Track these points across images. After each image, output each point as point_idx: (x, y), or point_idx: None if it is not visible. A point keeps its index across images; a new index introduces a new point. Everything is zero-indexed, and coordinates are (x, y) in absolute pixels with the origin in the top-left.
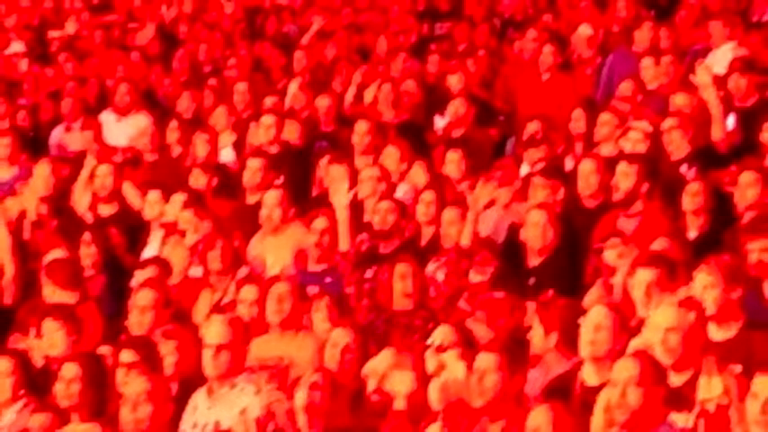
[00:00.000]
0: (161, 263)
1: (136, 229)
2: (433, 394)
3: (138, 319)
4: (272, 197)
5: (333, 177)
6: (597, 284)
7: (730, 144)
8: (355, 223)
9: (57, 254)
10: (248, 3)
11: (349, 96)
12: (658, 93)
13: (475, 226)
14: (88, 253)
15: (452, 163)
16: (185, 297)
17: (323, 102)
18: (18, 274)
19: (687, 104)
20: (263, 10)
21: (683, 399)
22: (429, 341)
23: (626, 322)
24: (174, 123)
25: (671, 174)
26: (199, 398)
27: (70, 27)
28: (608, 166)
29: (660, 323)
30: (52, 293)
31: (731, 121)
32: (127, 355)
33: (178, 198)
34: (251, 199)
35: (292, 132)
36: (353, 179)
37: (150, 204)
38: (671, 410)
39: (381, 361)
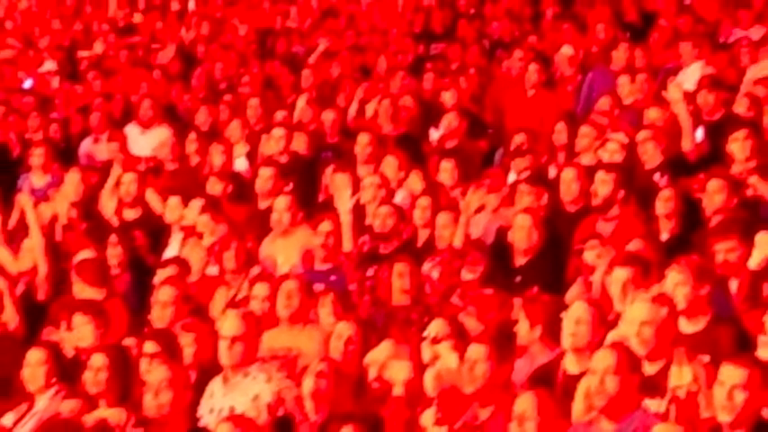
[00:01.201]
0: (181, 262)
1: (158, 231)
2: (429, 382)
3: (159, 314)
4: (281, 202)
5: (337, 184)
6: (578, 282)
7: (699, 154)
8: (357, 226)
9: (86, 254)
10: (260, 25)
11: (352, 111)
12: (633, 107)
13: (466, 229)
14: (114, 253)
15: (446, 171)
16: (203, 293)
17: (328, 116)
18: (50, 273)
19: (660, 118)
20: (274, 32)
21: (656, 386)
22: (425, 333)
23: (604, 316)
24: (192, 135)
25: (645, 181)
26: (215, 385)
27: (98, 48)
28: (588, 174)
29: (635, 317)
30: (81, 290)
31: (700, 133)
32: (150, 346)
33: (196, 203)
34: (262, 204)
35: (300, 143)
36: (356, 186)
37: (171, 209)
38: (645, 397)
39: (381, 351)
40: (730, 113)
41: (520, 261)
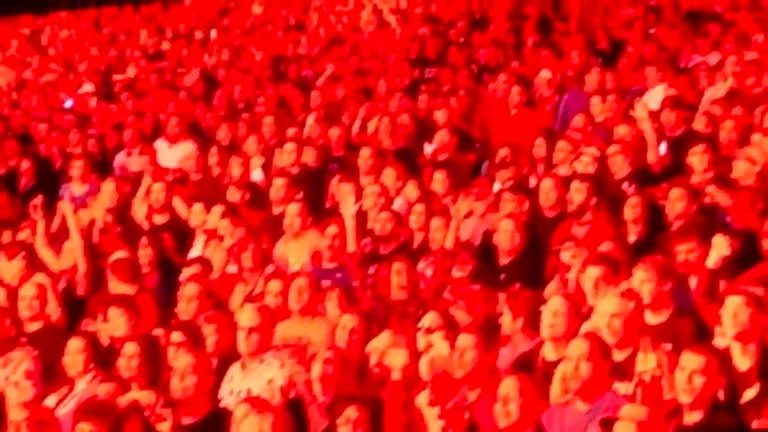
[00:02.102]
0: (204, 261)
1: (183, 234)
2: (423, 367)
3: (185, 307)
4: (293, 209)
5: (342, 193)
6: (555, 279)
7: (662, 166)
8: (360, 229)
9: (119, 254)
10: (274, 52)
11: (355, 127)
12: (604, 124)
13: (456, 232)
14: (145, 254)
15: (438, 181)
16: (223, 289)
17: (334, 132)
18: (89, 271)
19: (627, 134)
20: (286, 58)
21: (624, 371)
22: (420, 324)
23: (578, 309)
24: (214, 149)
25: (615, 190)
26: (234, 370)
27: (130, 72)
28: (564, 183)
29: (606, 310)
30: (116, 286)
31: (663, 147)
32: (176, 336)
33: (217, 209)
34: (276, 210)
35: (310, 156)
36: (359, 194)
37: (195, 214)
38: (615, 380)
39: (381, 340)
40: (690, 130)
41: (504, 261)
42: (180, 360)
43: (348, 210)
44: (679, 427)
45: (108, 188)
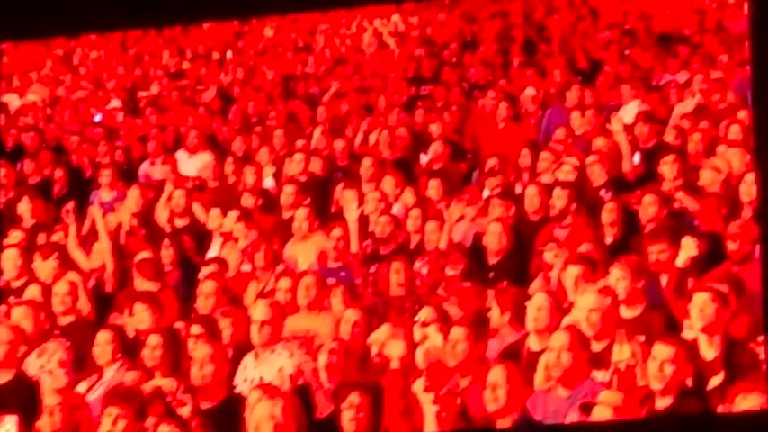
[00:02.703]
0: (220, 261)
1: (202, 236)
2: (419, 357)
3: (203, 303)
4: (301, 213)
5: (345, 199)
6: (539, 277)
7: (636, 174)
8: (362, 232)
9: (144, 254)
10: (284, 71)
11: (357, 140)
12: (583, 137)
13: (449, 234)
14: (167, 254)
15: (433, 188)
16: (238, 286)
17: (338, 143)
18: (116, 270)
19: (604, 145)
20: (295, 77)
21: (601, 360)
22: (416, 318)
23: (560, 304)
24: (229, 159)
25: (593, 196)
26: (248, 359)
27: (154, 89)
28: (547, 190)
29: (585, 305)
30: (141, 284)
31: (637, 157)
32: (195, 329)
33: (233, 214)
34: (286, 215)
35: (316, 166)
36: (361, 200)
37: (212, 218)
38: (593, 369)
39: (381, 333)
40: (661, 142)
41: (492, 260)
42: (199, 350)
43: (351, 214)
44: (651, 411)
45: (133, 194)
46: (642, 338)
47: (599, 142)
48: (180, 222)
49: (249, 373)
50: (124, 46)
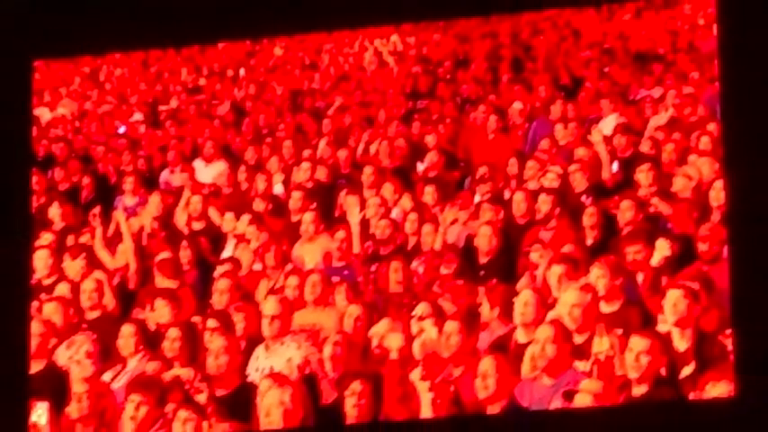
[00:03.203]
0: (234, 261)
1: (217, 238)
2: (416, 348)
3: (218, 299)
4: (308, 217)
5: (348, 204)
6: (525, 275)
7: (614, 181)
8: (364, 234)
9: (164, 255)
10: (292, 87)
11: (359, 149)
12: (566, 147)
13: (443, 236)
14: (185, 254)
15: (428, 194)
16: (250, 284)
17: (342, 153)
18: (138, 269)
19: (585, 155)
20: (303, 92)
21: (583, 351)
22: (413, 313)
23: (545, 300)
24: (242, 167)
25: (575, 201)
26: (259, 351)
27: (173, 103)
28: (533, 196)
29: (567, 301)
30: (161, 281)
31: (615, 166)
32: (211, 323)
33: (245, 217)
34: (294, 218)
35: (322, 173)
36: (363, 205)
37: (227, 222)
38: (575, 359)
39: (381, 326)
40: (637, 151)
41: (483, 260)
42: (214, 342)
43: (354, 218)
44: (628, 398)
45: (154, 200)
46: (620, 332)
47: (580, 152)
48: (197, 225)
49: (260, 363)
50: (146, 64)
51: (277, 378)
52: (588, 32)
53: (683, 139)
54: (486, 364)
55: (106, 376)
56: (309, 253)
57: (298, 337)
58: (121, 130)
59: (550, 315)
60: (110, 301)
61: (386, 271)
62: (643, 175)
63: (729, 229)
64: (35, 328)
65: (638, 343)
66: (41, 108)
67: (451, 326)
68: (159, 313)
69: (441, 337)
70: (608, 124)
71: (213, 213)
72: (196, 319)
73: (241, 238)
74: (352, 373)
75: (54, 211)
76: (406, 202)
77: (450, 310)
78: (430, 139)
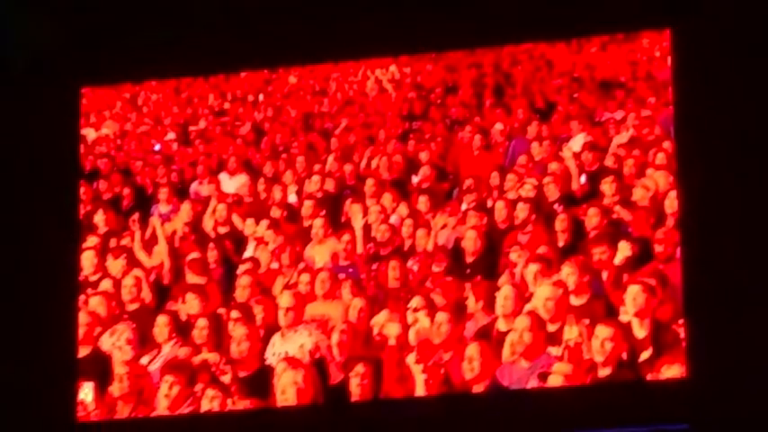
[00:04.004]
0: (254, 260)
1: (240, 240)
2: (411, 336)
3: (240, 293)
4: (318, 222)
5: (353, 211)
6: (506, 273)
7: (582, 192)
8: (366, 237)
9: (194, 255)
10: (304, 110)
11: (362, 164)
12: (541, 162)
13: (435, 239)
14: (212, 255)
15: (422, 203)
16: (268, 280)
17: (347, 167)
18: (172, 267)
19: (558, 169)
20: (313, 114)
21: (555, 338)
22: (408, 305)
23: (522, 295)
24: (261, 180)
25: (548, 209)
26: (276, 338)
27: (202, 124)
28: (512, 204)
29: (542, 295)
30: (191, 278)
31: (583, 178)
32: (234, 314)
33: (264, 223)
34: (306, 224)
35: (330, 185)
36: (365, 212)
37: (248, 226)
38: (548, 345)
39: (381, 317)
40: (602, 166)
41: (469, 259)
42: (237, 331)
43: (357, 223)
44: (594, 378)
45: (185, 208)
46: (587, 321)
47: (553, 166)
48: (222, 230)
49: (277, 349)
50: (178, 90)
51: (291, 361)
52: (560, 63)
53: (642, 155)
54: (472, 350)
55: (144, 360)
56: (319, 253)
57: (309, 326)
58: (157, 147)
59: (527, 307)
60: (147, 294)
61: (385, 269)
62: (607, 186)
63: (682, 233)
64: (82, 318)
65: (602, 331)
66: (88, 128)
67: (442, 316)
68: (189, 305)
69: (432, 326)
70: (577, 142)
71: (236, 219)
72: (221, 310)
73: (260, 241)
74: (356, 357)
75: (99, 218)
76: (403, 209)
77: (441, 303)
78: (423, 156)
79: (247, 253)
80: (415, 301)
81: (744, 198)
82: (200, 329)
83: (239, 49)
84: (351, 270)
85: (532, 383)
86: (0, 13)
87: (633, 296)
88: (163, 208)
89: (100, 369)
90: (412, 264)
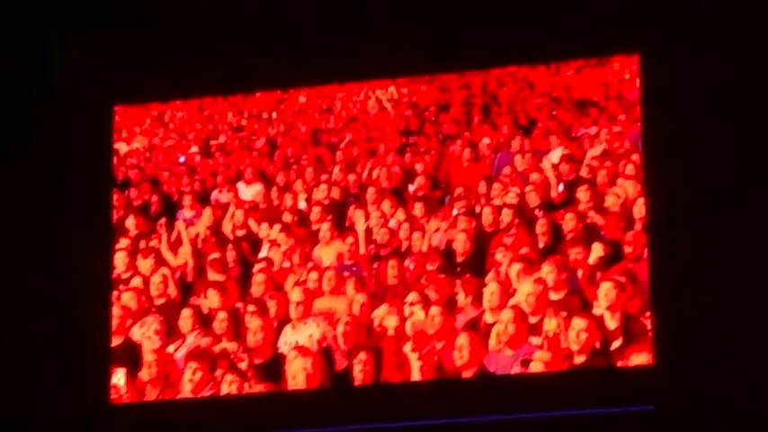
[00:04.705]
0: (268, 260)
1: (255, 242)
2: (408, 327)
3: (256, 289)
4: (325, 226)
5: (356, 216)
6: (492, 271)
7: (560, 199)
8: (368, 239)
9: (214, 255)
10: (313, 126)
11: (365, 174)
12: (524, 173)
13: (429, 241)
14: (231, 255)
15: (418, 209)
16: (280, 277)
17: (351, 177)
18: (195, 266)
19: (538, 178)
20: (321, 130)
21: (536, 329)
22: (405, 300)
23: (507, 290)
24: (274, 188)
25: (530, 214)
26: (287, 329)
27: (221, 138)
28: (498, 210)
29: (524, 291)
30: (212, 275)
31: (561, 187)
32: (251, 307)
33: (277, 227)
34: (314, 227)
35: (336, 193)
36: (367, 217)
37: (262, 230)
38: (530, 335)
39: (381, 310)
40: (578, 176)
41: (459, 259)
42: (253, 323)
43: (360, 227)
44: (571, 365)
45: (207, 213)
46: (564, 314)
47: (534, 176)
48: (240, 233)
49: (288, 339)
50: (200, 108)
51: (301, 350)
52: (540, 84)
53: (613, 167)
54: (462, 339)
55: (170, 348)
56: (326, 254)
57: (317, 318)
58: (181, 159)
59: (511, 302)
60: (172, 290)
61: (385, 268)
62: (582, 193)
63: (648, 236)
64: (115, 311)
65: (578, 323)
66: (120, 143)
67: (435, 310)
68: (211, 300)
69: (427, 318)
70: (555, 155)
71: (252, 223)
72: (239, 304)
73: (273, 243)
74: (359, 346)
75: (130, 222)
76: (400, 214)
77: (434, 298)
78: (418, 167)
79: (262, 253)
80: (412, 296)
81: (703, 204)
82: (220, 321)
83: (255, 72)
84: (354, 269)
85: (516, 369)
86: (44, 39)
87: (605, 292)
88: (187, 213)
89: (131, 357)
90: (408, 263)
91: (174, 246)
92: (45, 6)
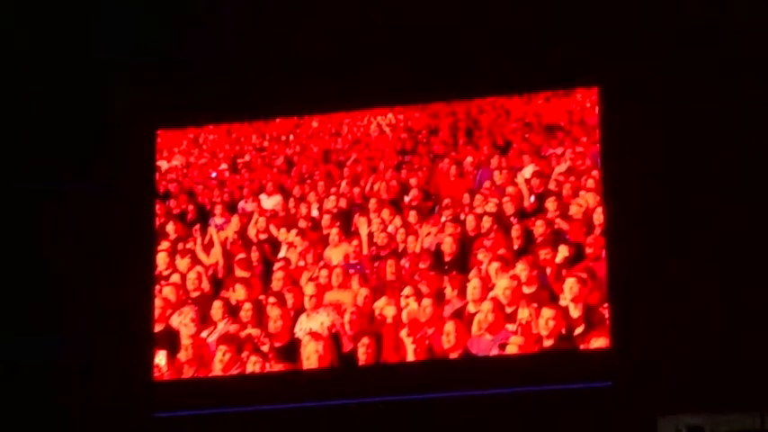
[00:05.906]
0: (286, 260)
1: (275, 245)
2: (404, 316)
3: (276, 284)
4: (334, 231)
5: (360, 222)
6: (474, 269)
7: (532, 208)
8: (370, 242)
9: (241, 256)
10: (323, 147)
11: (367, 187)
12: (501, 186)
13: (421, 244)
14: (255, 255)
15: (412, 216)
16: (296, 274)
17: (356, 190)
18: (224, 265)
19: (513, 191)
20: (331, 150)
21: (512, 318)
22: (402, 293)
23: (487, 285)
24: (291, 199)
25: (507, 221)
26: (302, 317)
27: (247, 157)
28: (479, 217)
29: (502, 285)
30: (239, 273)
31: (532, 198)
32: (271, 299)
33: (293, 231)
34: (325, 232)
35: (343, 203)
36: (369, 223)
37: (281, 234)
38: (507, 323)
39: (381, 302)
40: (547, 189)
41: (447, 259)
42: (273, 312)
43: (363, 231)
44: (541, 348)
45: (235, 220)
46: (535, 305)
47: (510, 189)
48: (262, 236)
49: (303, 326)
50: (229, 132)
51: (314, 335)
52: (515, 112)
53: (576, 181)
54: (449, 326)
55: (203, 334)
56: (335, 254)
57: (327, 308)
58: (213, 175)
59: (490, 294)
60: (206, 285)
61: (384, 266)
62: (550, 203)
63: (606, 239)
64: (157, 303)
65: (547, 312)
66: (162, 161)
67: (427, 301)
68: (238, 293)
69: (420, 308)
70: (528, 171)
71: (273, 229)
72: (261, 297)
73: (291, 245)
74: (363, 331)
75: (170, 228)
76: (397, 221)
77: (426, 292)
78: (413, 181)
79: (281, 254)
80: (407, 290)
81: (653, 212)
82: (246, 311)
83: (275, 102)
84: (358, 267)
85: (494, 352)
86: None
87: (570, 286)
88: (218, 220)
89: (171, 341)
90: (404, 262)
91: (207, 247)
92: (104, 50)
